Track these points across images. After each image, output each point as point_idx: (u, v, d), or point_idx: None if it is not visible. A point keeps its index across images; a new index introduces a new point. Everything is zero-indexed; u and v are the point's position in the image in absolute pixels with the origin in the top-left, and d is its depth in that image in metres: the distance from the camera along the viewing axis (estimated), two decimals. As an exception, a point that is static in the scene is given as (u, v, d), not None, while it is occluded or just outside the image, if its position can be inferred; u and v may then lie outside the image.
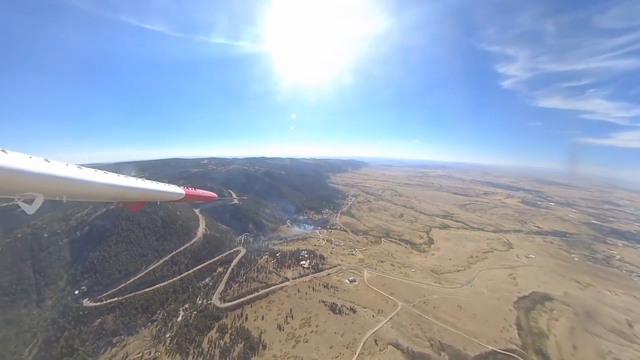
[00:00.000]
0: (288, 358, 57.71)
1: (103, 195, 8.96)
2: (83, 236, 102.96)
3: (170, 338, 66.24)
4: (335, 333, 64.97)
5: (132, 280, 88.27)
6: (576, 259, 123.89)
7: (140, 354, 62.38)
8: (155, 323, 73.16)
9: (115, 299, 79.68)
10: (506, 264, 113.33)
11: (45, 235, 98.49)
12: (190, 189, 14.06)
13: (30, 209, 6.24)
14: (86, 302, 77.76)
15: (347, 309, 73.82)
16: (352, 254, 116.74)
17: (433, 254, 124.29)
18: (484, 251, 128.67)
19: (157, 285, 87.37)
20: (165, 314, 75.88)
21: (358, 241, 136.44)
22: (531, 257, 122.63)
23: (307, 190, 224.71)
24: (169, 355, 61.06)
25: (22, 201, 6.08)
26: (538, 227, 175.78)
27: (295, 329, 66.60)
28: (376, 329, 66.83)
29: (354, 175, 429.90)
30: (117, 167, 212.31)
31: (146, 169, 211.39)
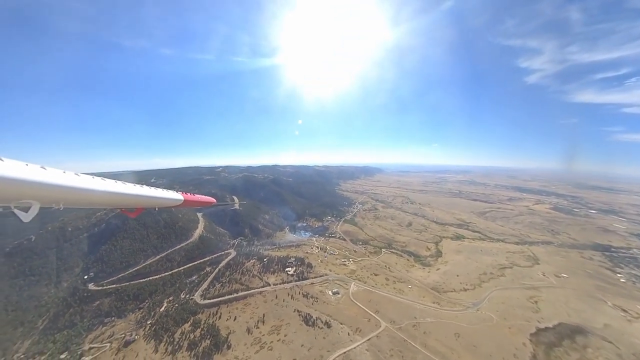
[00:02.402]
0: None
1: (100, 202, 8.70)
2: (100, 232, 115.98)
3: (150, 325, 70.13)
4: (302, 346, 58.89)
5: (130, 271, 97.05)
6: (623, 281, 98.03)
7: (123, 335, 67.32)
8: (142, 310, 78.66)
9: (114, 285, 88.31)
10: (528, 284, 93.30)
11: (70, 229, 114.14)
12: (188, 194, 13.55)
13: (26, 217, 5.92)
14: (91, 286, 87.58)
15: (322, 322, 66.57)
16: (344, 265, 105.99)
17: (438, 269, 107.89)
18: (502, 267, 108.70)
19: (150, 278, 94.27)
20: (151, 304, 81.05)
21: (355, 251, 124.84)
22: (562, 277, 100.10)
23: (311, 197, 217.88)
24: (145, 340, 64.39)
25: (18, 209, 5.76)
26: (574, 238, 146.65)
27: (263, 335, 63.13)
28: (348, 348, 57.79)
29: (366, 182, 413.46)
30: (142, 174, 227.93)
31: (165, 176, 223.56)
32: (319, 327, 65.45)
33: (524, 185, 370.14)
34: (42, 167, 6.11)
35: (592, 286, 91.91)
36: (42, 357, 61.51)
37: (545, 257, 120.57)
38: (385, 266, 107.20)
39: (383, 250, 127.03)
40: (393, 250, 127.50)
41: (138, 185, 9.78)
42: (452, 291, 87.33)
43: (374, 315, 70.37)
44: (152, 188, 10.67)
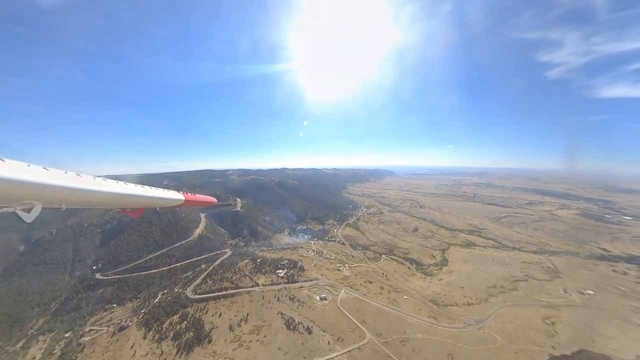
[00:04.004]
0: (224, 358, 55.46)
1: (102, 202, 8.59)
2: (112, 227, 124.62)
3: (143, 314, 72.70)
4: (279, 349, 56.74)
5: (133, 264, 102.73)
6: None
7: (119, 321, 71.22)
8: (138, 300, 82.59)
9: (117, 276, 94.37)
10: (544, 301, 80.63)
11: (86, 225, 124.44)
12: (189, 194, 13.50)
13: (28, 218, 6.02)
14: (98, 276, 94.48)
15: (304, 327, 63.16)
16: (338, 270, 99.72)
17: (441, 279, 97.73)
18: (515, 279, 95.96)
19: (150, 271, 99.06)
20: (147, 295, 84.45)
21: (353, 256, 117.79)
22: (588, 294, 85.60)
23: (316, 200, 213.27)
24: (137, 327, 67.21)
25: (21, 210, 5.85)
26: (604, 249, 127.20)
27: (244, 334, 62.31)
28: (325, 358, 53.63)
29: (375, 185, 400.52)
30: (157, 177, 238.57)
31: (177, 179, 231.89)
32: (299, 332, 62.36)
33: (546, 188, 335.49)
34: (44, 168, 6.09)
35: (625, 307, 77.00)
36: (50, 334, 68.18)
37: (567, 269, 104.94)
38: (383, 274, 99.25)
39: (383, 256, 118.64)
40: (394, 257, 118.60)
41: (139, 186, 9.59)
42: (453, 305, 77.61)
43: (359, 325, 64.33)
44: (153, 188, 10.44)
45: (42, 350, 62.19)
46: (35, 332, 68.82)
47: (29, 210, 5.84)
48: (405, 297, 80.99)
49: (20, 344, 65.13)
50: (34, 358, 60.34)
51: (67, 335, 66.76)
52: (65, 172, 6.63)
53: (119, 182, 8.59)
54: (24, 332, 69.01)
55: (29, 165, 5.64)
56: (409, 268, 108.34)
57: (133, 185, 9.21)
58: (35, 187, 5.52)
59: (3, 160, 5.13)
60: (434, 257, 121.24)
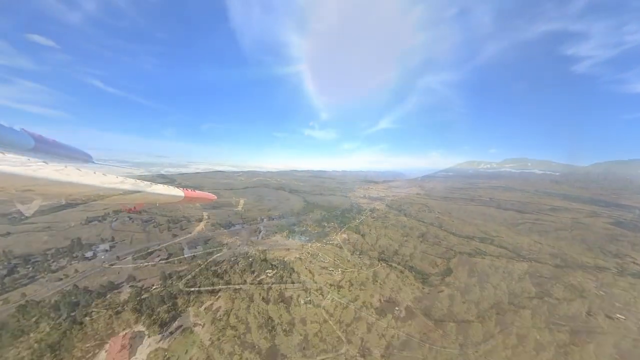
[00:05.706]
0: (202, 349, 57.49)
1: (101, 197, 8.76)
2: (121, 222, 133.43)
3: (139, 300, 77.14)
4: (254, 347, 56.73)
5: (136, 255, 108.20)
6: None
7: (117, 305, 76.24)
8: (136, 288, 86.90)
9: (120, 266, 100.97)
10: (561, 325, 68.72)
11: (99, 218, 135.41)
12: (189, 190, 13.11)
13: (28, 211, 6.11)
14: (104, 265, 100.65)
15: (282, 329, 61.56)
16: (330, 274, 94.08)
17: (441, 291, 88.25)
18: (527, 295, 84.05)
19: (150, 263, 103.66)
20: (145, 284, 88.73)
21: (348, 260, 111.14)
22: (617, 319, 71.85)
23: (319, 202, 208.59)
24: (131, 312, 71.98)
25: (21, 203, 5.92)
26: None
27: (225, 328, 63.16)
28: None
29: (384, 187, 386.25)
30: (170, 177, 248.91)
31: (186, 180, 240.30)
32: (277, 332, 60.74)
33: (572, 192, 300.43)
34: (43, 162, 6.11)
35: (665, 338, 62.93)
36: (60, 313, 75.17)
37: (593, 287, 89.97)
38: (377, 281, 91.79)
39: (380, 262, 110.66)
40: (392, 264, 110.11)
41: (139, 181, 9.55)
42: (450, 321, 68.67)
43: (339, 333, 59.56)
44: (152, 184, 10.37)
45: (51, 325, 67.78)
46: (48, 310, 75.51)
47: (28, 204, 5.90)
48: (397, 308, 73.39)
49: (33, 319, 70.86)
50: (42, 331, 65.37)
51: (73, 314, 73.26)
52: (65, 167, 6.45)
53: (118, 177, 8.46)
54: (39, 310, 75.72)
55: (28, 159, 5.64)
56: (407, 277, 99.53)
57: (133, 180, 9.11)
58: (35, 181, 5.39)
59: (3, 154, 5.40)
60: (437, 265, 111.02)
